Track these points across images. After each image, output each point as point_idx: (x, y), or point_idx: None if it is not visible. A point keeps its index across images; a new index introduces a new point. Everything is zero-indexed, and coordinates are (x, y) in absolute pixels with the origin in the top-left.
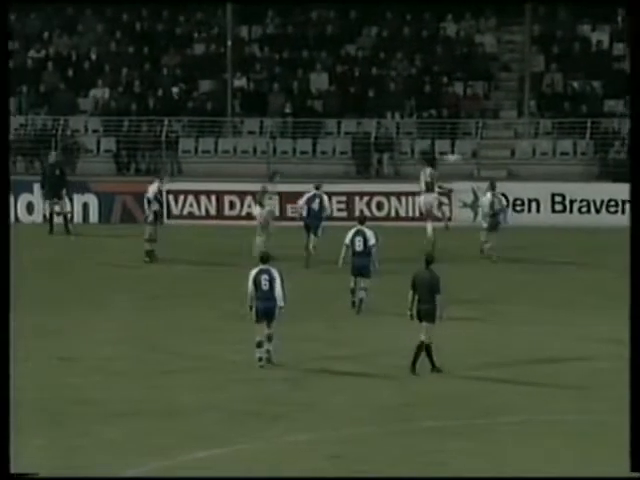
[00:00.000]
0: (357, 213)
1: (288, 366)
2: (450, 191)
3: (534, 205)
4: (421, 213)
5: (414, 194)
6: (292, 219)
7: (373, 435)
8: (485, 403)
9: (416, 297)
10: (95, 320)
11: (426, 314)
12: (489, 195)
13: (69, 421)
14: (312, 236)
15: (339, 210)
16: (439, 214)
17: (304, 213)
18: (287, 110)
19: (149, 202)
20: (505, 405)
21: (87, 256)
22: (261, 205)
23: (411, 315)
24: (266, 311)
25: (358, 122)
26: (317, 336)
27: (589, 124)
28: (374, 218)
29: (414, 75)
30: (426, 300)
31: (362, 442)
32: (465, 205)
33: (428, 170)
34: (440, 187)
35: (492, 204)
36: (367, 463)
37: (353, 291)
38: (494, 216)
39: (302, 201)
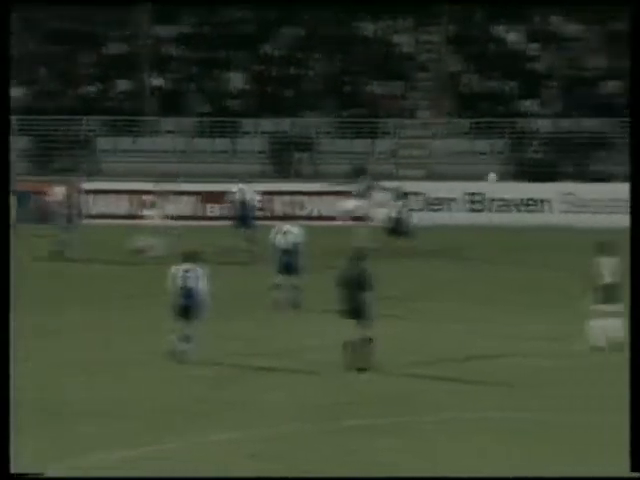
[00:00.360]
0: (276, 213)
1: (215, 364)
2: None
3: (451, 204)
4: (351, 215)
5: (334, 193)
6: (212, 218)
7: (300, 433)
8: (413, 401)
9: (343, 294)
10: None
11: (354, 311)
12: (398, 202)
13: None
14: (246, 230)
15: (258, 209)
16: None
17: (234, 209)
18: (204, 110)
19: (58, 205)
20: (432, 403)
21: None
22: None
23: (342, 312)
24: (187, 309)
25: (276, 122)
26: (245, 334)
27: (505, 124)
28: (293, 217)
29: (332, 75)
30: (355, 297)
31: (288, 440)
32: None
33: (362, 178)
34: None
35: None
36: (291, 461)
37: (277, 287)
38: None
39: (231, 197)
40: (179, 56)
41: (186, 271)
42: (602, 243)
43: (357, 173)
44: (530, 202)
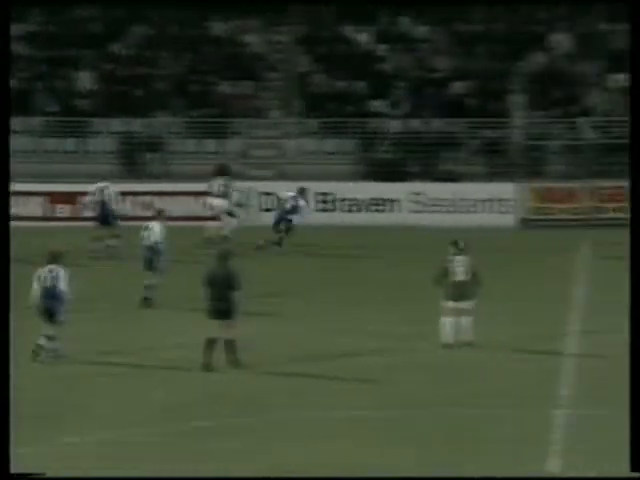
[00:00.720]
0: (126, 213)
1: (68, 365)
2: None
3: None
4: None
5: (184, 194)
6: (61, 219)
7: (147, 435)
8: (262, 401)
9: (209, 294)
10: None
11: (220, 311)
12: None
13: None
14: (108, 229)
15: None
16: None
17: (94, 209)
18: (53, 109)
19: None
20: (281, 403)
21: None
22: None
23: (208, 312)
24: (49, 309)
25: (125, 121)
26: (106, 334)
27: (354, 124)
28: (142, 218)
29: (181, 74)
30: (221, 297)
31: (136, 442)
32: (239, 205)
33: (220, 178)
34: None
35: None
36: (137, 464)
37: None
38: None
39: (89, 197)
40: (27, 55)
41: (50, 272)
42: (455, 241)
43: (219, 172)
44: (379, 202)
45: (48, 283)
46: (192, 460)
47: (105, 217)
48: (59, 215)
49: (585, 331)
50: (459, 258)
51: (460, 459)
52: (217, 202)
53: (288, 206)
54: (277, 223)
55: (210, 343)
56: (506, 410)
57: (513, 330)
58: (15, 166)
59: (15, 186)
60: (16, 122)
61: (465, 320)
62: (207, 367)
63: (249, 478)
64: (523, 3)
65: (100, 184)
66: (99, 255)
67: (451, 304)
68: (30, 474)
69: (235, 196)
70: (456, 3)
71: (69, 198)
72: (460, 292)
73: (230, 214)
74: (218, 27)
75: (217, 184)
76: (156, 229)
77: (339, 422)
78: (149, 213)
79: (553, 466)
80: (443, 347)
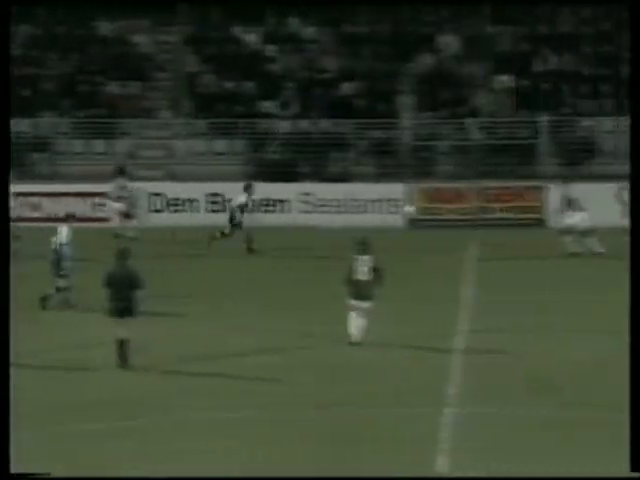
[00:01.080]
0: (12, 214)
1: None
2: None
3: (191, 205)
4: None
5: (72, 195)
6: None
7: (37, 438)
8: (161, 401)
9: (110, 293)
10: None
11: (122, 310)
12: (244, 195)
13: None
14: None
15: None
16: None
17: None
18: None
19: None
20: (172, 404)
21: None
22: None
23: (109, 311)
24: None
25: (12, 122)
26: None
27: (243, 124)
28: (31, 219)
29: (69, 74)
30: (123, 296)
31: (23, 444)
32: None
33: (120, 179)
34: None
35: (242, 205)
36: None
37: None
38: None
39: None
40: None
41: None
42: (361, 241)
43: (118, 173)
44: (269, 202)
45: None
46: (84, 463)
47: None
48: None
49: (473, 330)
50: (364, 257)
51: (353, 458)
52: (116, 204)
53: (239, 202)
54: (231, 219)
55: (118, 343)
56: (396, 409)
57: (402, 330)
58: None
59: None
60: None
61: (362, 320)
62: (122, 366)
63: (252, 478)
64: (409, 4)
65: None
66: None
67: (353, 302)
68: (30, 474)
69: (131, 197)
70: (344, 3)
71: None
72: (360, 292)
73: (127, 215)
74: (105, 27)
75: (115, 186)
76: (63, 232)
77: (234, 422)
78: (37, 214)
79: (441, 465)
80: (351, 344)
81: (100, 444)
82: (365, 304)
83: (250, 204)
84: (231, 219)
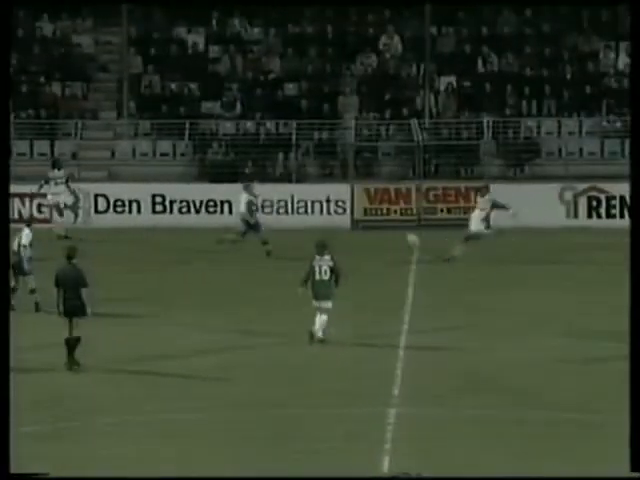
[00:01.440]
0: None
1: None
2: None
3: (135, 206)
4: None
5: (15, 195)
6: None
7: None
8: (96, 403)
9: (62, 293)
10: None
11: (74, 309)
12: (245, 196)
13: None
14: None
15: None
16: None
17: None
18: None
19: None
20: (111, 405)
21: None
22: None
23: (59, 312)
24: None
25: None
26: None
27: (187, 125)
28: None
29: (10, 74)
30: (73, 296)
31: None
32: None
33: (56, 172)
34: None
35: (249, 204)
36: None
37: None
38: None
39: None
40: None
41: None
42: (320, 242)
43: (55, 165)
44: (210, 203)
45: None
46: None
47: None
48: None
49: (416, 330)
50: (324, 258)
51: (291, 458)
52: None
53: (247, 202)
54: (247, 223)
55: (69, 341)
56: (340, 410)
57: (347, 329)
58: None
59: None
60: None
61: (321, 319)
62: (70, 367)
63: (253, 478)
64: (353, 5)
65: None
66: None
67: (315, 303)
68: (30, 474)
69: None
70: (288, 4)
71: None
72: (320, 291)
73: (60, 213)
74: (48, 27)
75: (52, 180)
76: (24, 232)
77: (166, 424)
78: None
79: (384, 465)
80: (312, 342)
81: (36, 446)
82: (325, 304)
83: (256, 203)
84: (247, 224)
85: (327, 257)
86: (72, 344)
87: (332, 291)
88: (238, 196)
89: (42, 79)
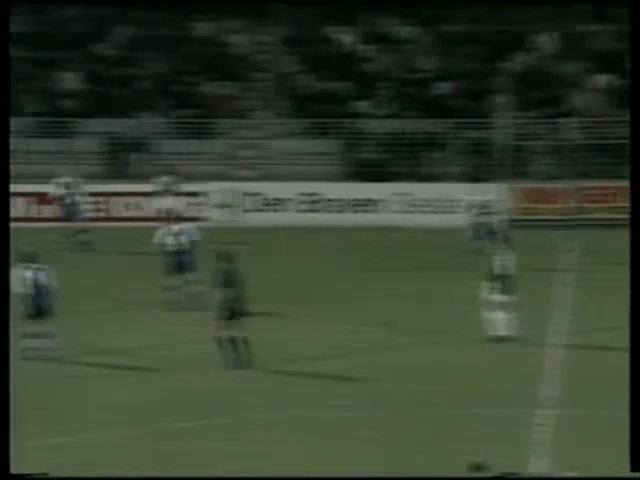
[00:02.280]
0: (112, 214)
1: (55, 365)
2: None
3: (286, 205)
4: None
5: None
6: (43, 220)
7: (125, 437)
8: (236, 400)
9: (224, 294)
10: None
11: (235, 311)
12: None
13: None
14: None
15: (95, 211)
16: None
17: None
18: (38, 110)
19: None
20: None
21: None
22: None
23: (221, 312)
24: (40, 307)
25: (109, 122)
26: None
27: (338, 124)
28: (127, 219)
29: (166, 75)
30: (233, 298)
31: (114, 444)
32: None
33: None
34: None
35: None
36: (114, 466)
37: (171, 289)
38: None
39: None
40: (12, 56)
41: (38, 270)
42: (505, 236)
43: (166, 173)
44: (364, 202)
45: (37, 282)
46: (171, 461)
47: (72, 214)
48: (42, 216)
49: (569, 331)
50: (505, 252)
51: (433, 459)
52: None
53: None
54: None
55: (224, 341)
56: (485, 410)
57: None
58: None
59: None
60: None
61: (503, 314)
62: (229, 365)
63: (254, 478)
64: (505, 3)
65: (62, 179)
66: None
67: (497, 297)
68: (30, 474)
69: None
70: (441, 2)
71: (53, 199)
72: (505, 286)
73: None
74: (203, 28)
75: (161, 184)
76: (189, 229)
77: (311, 422)
78: (133, 214)
79: (529, 467)
80: (494, 339)
81: (188, 442)
82: (509, 298)
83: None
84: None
85: (509, 251)
86: (239, 343)
87: (515, 285)
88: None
89: (197, 79)
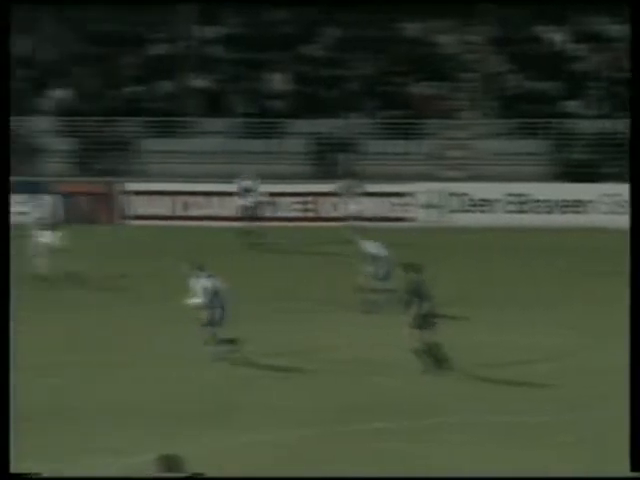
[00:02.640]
0: (320, 214)
1: (245, 366)
2: None
3: (493, 205)
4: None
5: (375, 194)
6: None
7: (319, 436)
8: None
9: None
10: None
11: (427, 319)
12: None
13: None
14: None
15: (303, 211)
16: None
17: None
18: (247, 110)
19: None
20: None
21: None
22: None
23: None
24: (219, 313)
25: (318, 123)
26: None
27: (547, 124)
28: (332, 219)
29: (374, 75)
30: (425, 306)
31: (307, 443)
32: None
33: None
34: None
35: None
36: (315, 464)
37: (369, 291)
38: None
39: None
40: (222, 57)
41: (211, 277)
42: None
43: (345, 174)
44: (573, 203)
45: (215, 289)
46: (370, 461)
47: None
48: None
49: None
50: None
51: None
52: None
53: None
54: None
55: (423, 349)
56: None
57: None
58: (210, 167)
59: (207, 186)
60: (211, 123)
61: None
62: (429, 370)
63: (254, 478)
64: None
65: (246, 181)
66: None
67: None
68: (30, 474)
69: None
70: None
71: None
72: None
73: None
74: (410, 28)
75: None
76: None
77: (507, 427)
78: (339, 214)
79: None
80: None
81: (385, 443)
82: None
83: None
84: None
85: None
86: (433, 349)
87: None
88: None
89: (405, 79)
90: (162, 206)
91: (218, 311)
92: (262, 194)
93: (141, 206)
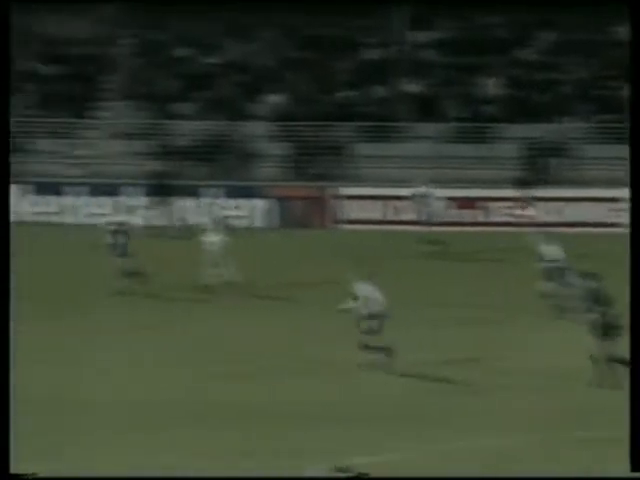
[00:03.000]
0: (536, 219)
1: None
2: None
3: None
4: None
5: (591, 200)
6: (465, 224)
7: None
8: None
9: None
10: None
11: (610, 329)
12: None
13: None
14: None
15: (510, 215)
16: None
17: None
18: (459, 115)
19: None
20: None
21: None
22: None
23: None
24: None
25: (530, 127)
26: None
27: None
28: (550, 224)
29: (587, 79)
30: (608, 315)
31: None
32: None
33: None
34: None
35: None
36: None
37: (547, 296)
38: None
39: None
40: (434, 61)
41: (372, 285)
42: None
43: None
44: None
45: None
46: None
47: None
48: (465, 220)
49: None
50: None
51: None
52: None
53: None
54: None
55: (597, 360)
56: None
57: None
58: (422, 172)
59: (415, 191)
60: (423, 128)
61: None
62: (599, 383)
63: (255, 478)
64: None
65: (423, 188)
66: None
67: None
68: (29, 474)
69: None
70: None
71: (473, 203)
72: None
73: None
74: (623, 32)
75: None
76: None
77: None
78: (559, 219)
79: None
80: None
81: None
82: None
83: None
84: None
85: None
86: (614, 363)
87: None
88: None
89: (619, 83)
90: (374, 210)
91: (376, 321)
92: (438, 199)
93: (353, 210)
